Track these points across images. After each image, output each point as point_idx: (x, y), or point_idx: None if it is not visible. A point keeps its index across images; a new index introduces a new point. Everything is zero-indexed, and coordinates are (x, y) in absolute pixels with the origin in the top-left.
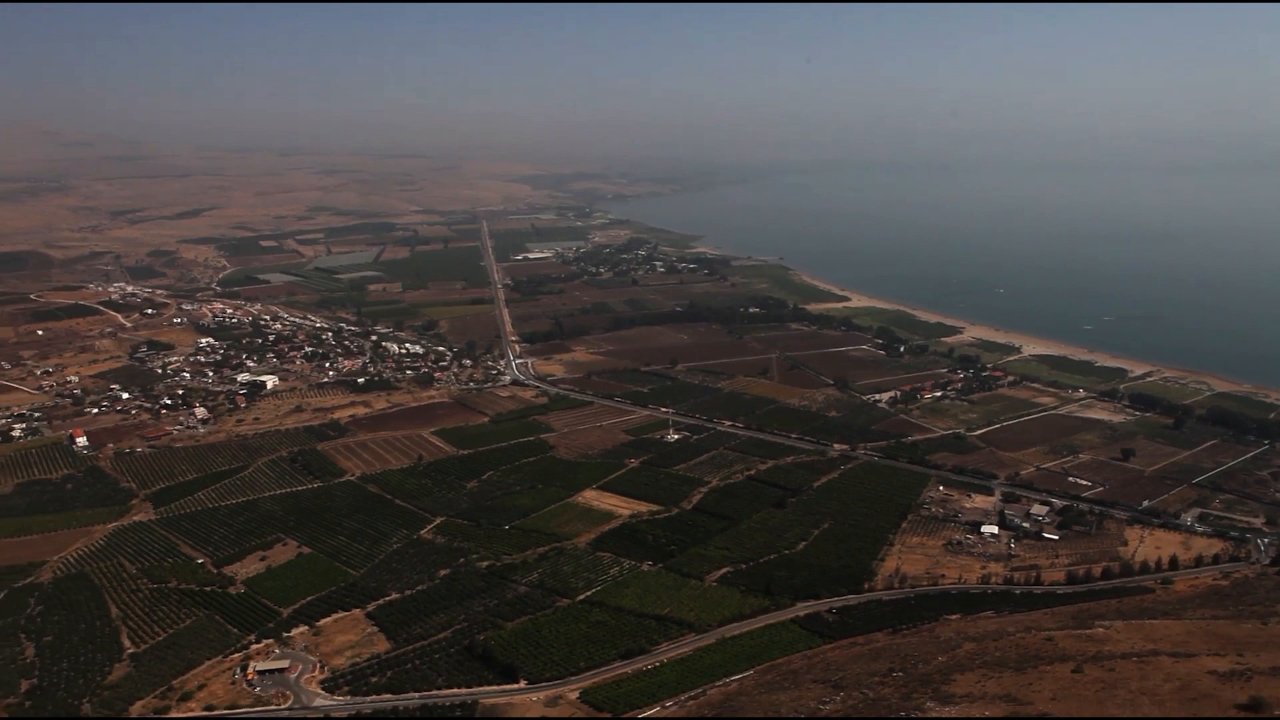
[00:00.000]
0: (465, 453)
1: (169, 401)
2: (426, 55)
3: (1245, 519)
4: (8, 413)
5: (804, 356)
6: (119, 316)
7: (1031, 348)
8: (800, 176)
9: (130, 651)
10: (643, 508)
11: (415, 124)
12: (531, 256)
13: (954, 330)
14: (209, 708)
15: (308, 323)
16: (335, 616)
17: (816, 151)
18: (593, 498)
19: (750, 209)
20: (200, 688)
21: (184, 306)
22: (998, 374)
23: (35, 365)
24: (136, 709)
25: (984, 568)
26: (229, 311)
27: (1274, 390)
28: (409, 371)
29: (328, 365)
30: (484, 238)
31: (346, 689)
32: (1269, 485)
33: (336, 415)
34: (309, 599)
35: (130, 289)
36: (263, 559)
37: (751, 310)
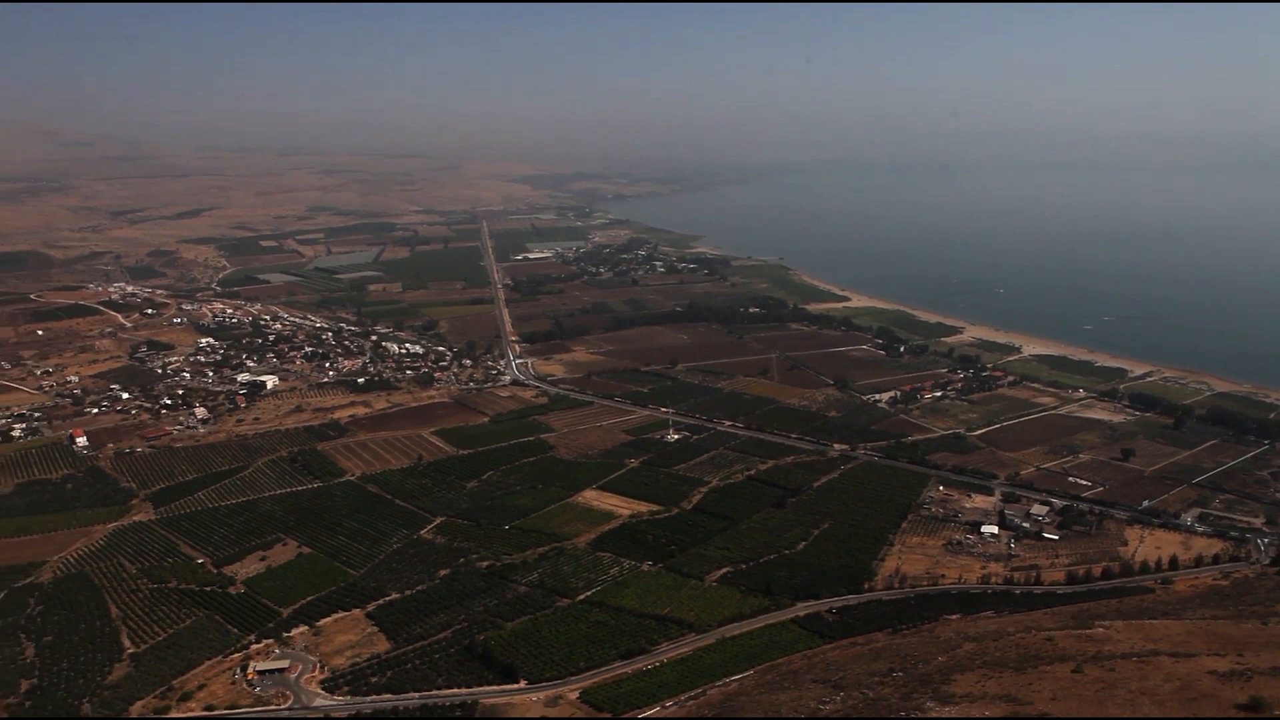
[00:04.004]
0: (465, 453)
1: (169, 401)
2: (426, 55)
3: (1245, 519)
4: (8, 413)
5: (804, 356)
6: (119, 316)
7: (1031, 348)
8: (800, 176)
9: (130, 651)
10: (643, 508)
11: (415, 124)
12: (531, 256)
13: (954, 330)
14: (209, 708)
15: (308, 323)
16: (335, 616)
17: (816, 151)
18: (593, 498)
19: (750, 209)
20: (200, 688)
21: (184, 306)
22: (998, 374)
23: (35, 365)
24: (136, 709)
25: (984, 568)
26: (229, 311)
27: (1274, 390)
28: (409, 371)
29: (328, 365)
30: (484, 238)
31: (346, 689)
32: (1269, 485)
33: (336, 415)
34: (309, 599)
35: (130, 289)
36: (263, 559)
37: (751, 310)
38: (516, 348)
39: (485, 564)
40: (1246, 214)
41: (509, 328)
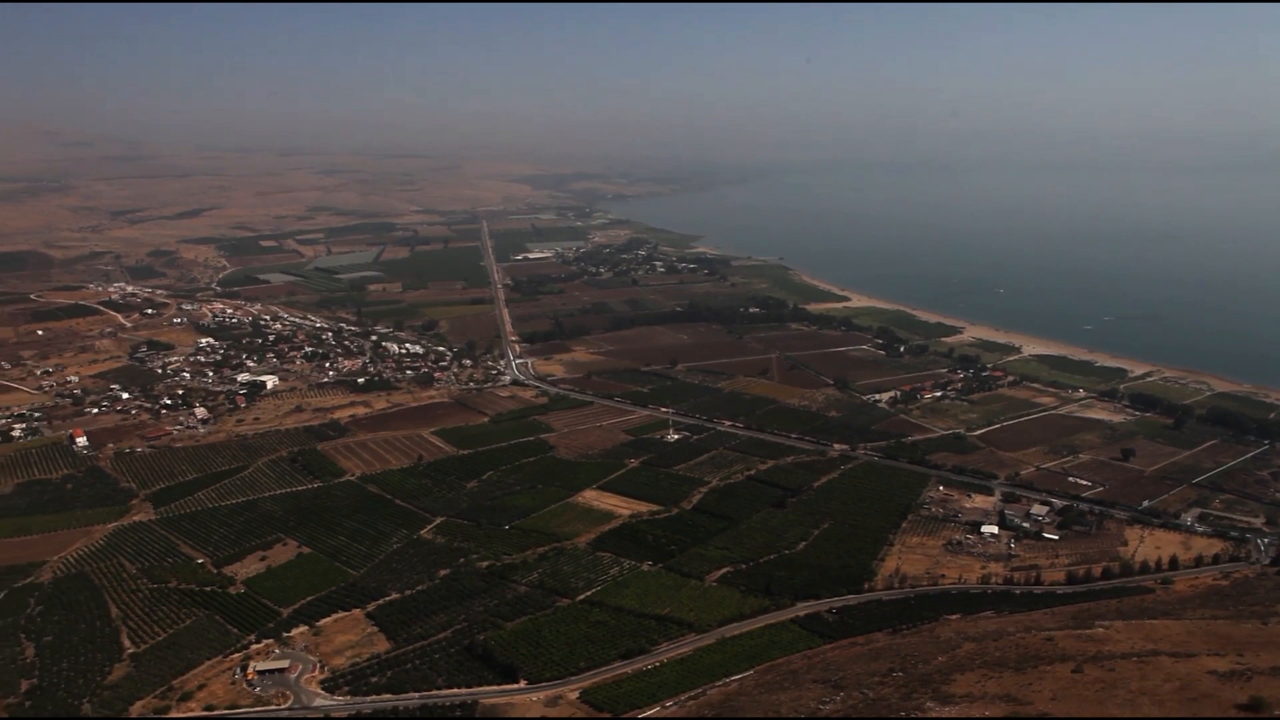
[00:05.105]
0: (465, 453)
1: (169, 401)
2: (426, 55)
3: (1245, 519)
4: (8, 413)
5: (804, 356)
6: (119, 316)
7: (1031, 348)
8: (800, 176)
9: (130, 651)
10: (643, 508)
11: (415, 124)
12: (531, 256)
13: (954, 330)
14: (209, 708)
15: (308, 323)
16: (335, 616)
17: (816, 151)
18: (593, 498)
19: (750, 209)
20: (200, 688)
21: (184, 306)
22: (998, 374)
23: (35, 365)
24: (136, 709)
25: (984, 568)
26: (229, 311)
27: (1274, 390)
28: (409, 371)
29: (328, 365)
30: (484, 238)
31: (346, 689)
32: (1269, 485)
33: (336, 415)
34: (309, 599)
35: (130, 289)
36: (263, 559)
37: (751, 310)
38: (516, 348)
39: (485, 564)
40: (1246, 214)
41: (509, 328)
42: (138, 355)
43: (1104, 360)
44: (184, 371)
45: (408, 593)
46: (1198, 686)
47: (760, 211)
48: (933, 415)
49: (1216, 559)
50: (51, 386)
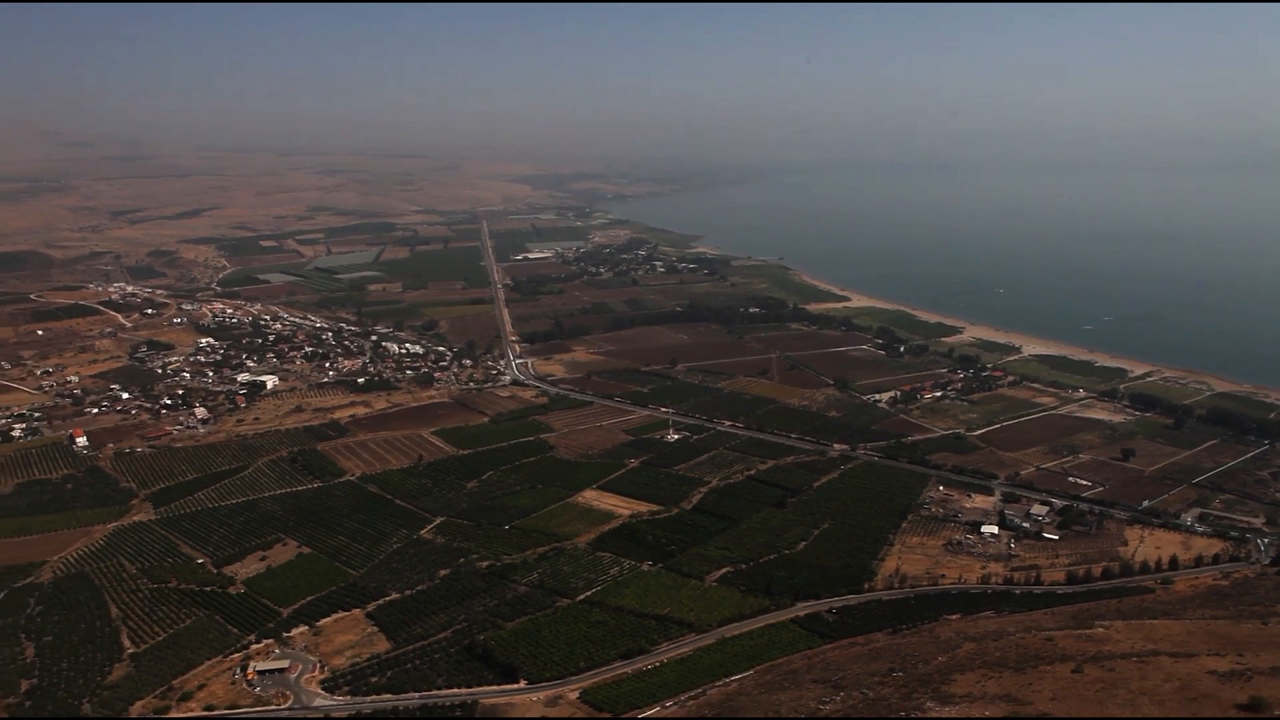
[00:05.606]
0: (465, 453)
1: (169, 401)
2: (426, 55)
3: (1245, 519)
4: (8, 413)
5: (804, 356)
6: (119, 316)
7: (1031, 348)
8: (800, 176)
9: (130, 651)
10: (643, 508)
11: (415, 124)
12: (531, 256)
13: (954, 330)
14: (209, 708)
15: (308, 323)
16: (335, 616)
17: (816, 151)
18: (593, 498)
19: (750, 209)
20: (200, 688)
21: (184, 306)
22: (998, 374)
23: (35, 365)
24: (136, 709)
25: (984, 568)
26: (229, 311)
27: (1274, 390)
28: (409, 371)
29: (328, 365)
30: (484, 238)
31: (346, 689)
32: (1269, 485)
33: (336, 415)
34: (309, 599)
35: (130, 289)
36: (263, 559)
37: (751, 310)
38: (516, 348)
39: (485, 564)
40: (1246, 214)
41: (509, 328)
42: (138, 355)
43: (1104, 360)
44: (184, 371)
45: (408, 593)
46: (1198, 686)
47: (760, 211)
48: (933, 415)
49: (1216, 559)
50: (51, 386)
